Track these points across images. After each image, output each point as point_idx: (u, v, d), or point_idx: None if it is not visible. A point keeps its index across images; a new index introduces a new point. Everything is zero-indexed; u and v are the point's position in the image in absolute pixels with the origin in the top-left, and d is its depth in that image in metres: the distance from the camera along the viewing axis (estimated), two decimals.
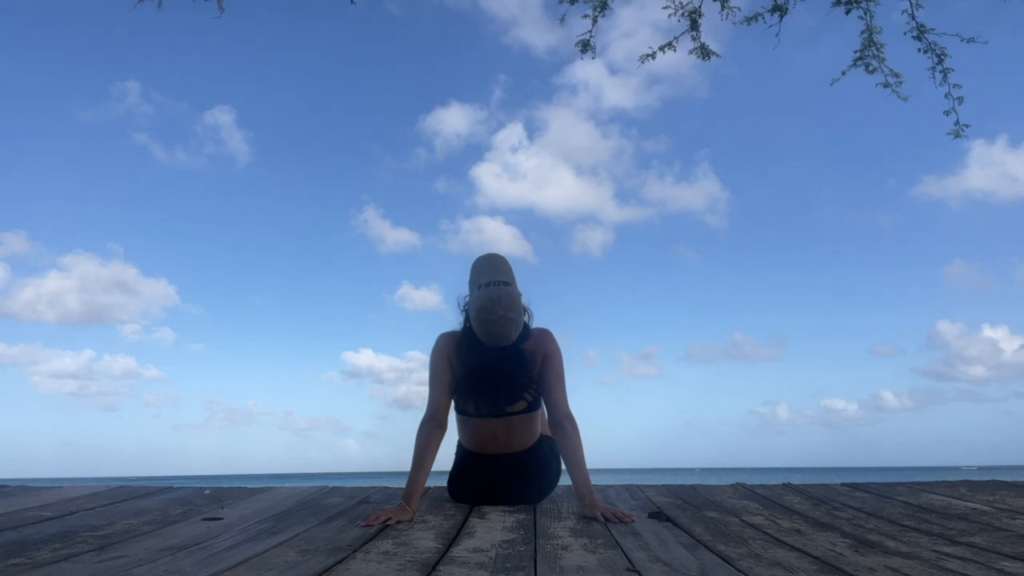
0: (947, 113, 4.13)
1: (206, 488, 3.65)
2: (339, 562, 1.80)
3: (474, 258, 2.85)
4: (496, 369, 2.72)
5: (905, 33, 4.12)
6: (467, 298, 2.79)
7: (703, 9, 4.31)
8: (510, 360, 2.74)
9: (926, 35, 4.08)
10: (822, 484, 3.68)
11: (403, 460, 2.71)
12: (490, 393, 2.74)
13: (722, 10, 4.24)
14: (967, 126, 4.13)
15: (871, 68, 4.16)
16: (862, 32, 4.12)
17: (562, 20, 4.30)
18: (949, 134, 4.15)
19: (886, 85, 4.18)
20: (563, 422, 2.69)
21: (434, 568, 1.73)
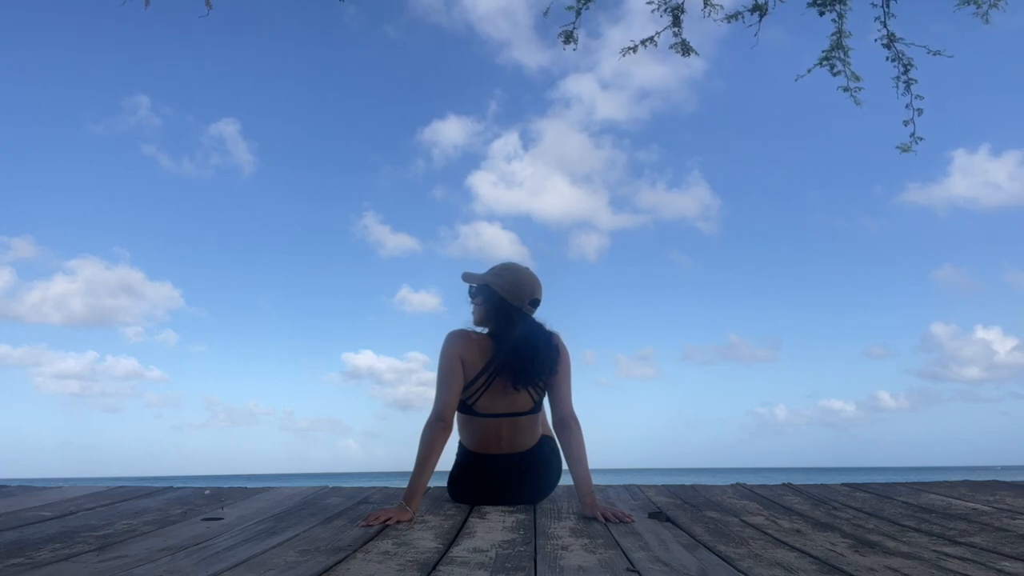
0: (906, 123, 4.08)
1: (206, 488, 3.65)
2: (339, 562, 1.80)
3: (475, 262, 2.92)
4: (530, 339, 2.72)
5: (876, 40, 4.10)
6: (487, 285, 2.78)
7: (685, 6, 4.32)
8: (542, 336, 2.75)
9: (895, 44, 4.07)
10: (822, 484, 3.68)
11: (403, 460, 2.70)
12: (519, 364, 2.69)
13: (704, 7, 4.25)
14: (920, 139, 4.08)
15: (835, 70, 4.13)
16: (832, 34, 4.11)
17: (546, 13, 4.28)
18: (899, 148, 4.10)
19: (846, 89, 4.14)
20: (568, 420, 2.70)
21: (434, 568, 1.73)
